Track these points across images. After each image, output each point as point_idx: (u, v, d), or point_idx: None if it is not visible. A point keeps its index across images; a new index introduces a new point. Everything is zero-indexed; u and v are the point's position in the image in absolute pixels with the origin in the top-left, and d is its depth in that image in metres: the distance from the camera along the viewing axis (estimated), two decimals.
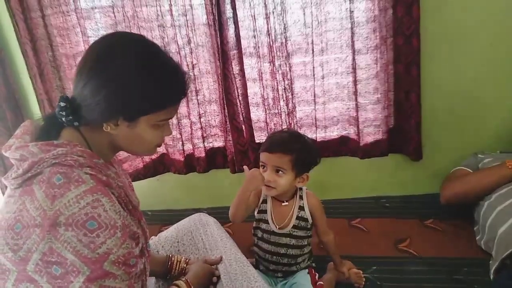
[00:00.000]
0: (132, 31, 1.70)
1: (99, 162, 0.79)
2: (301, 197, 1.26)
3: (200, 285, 1.09)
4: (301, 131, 1.84)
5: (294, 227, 1.25)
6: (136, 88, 0.76)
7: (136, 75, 0.76)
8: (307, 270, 1.27)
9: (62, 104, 0.76)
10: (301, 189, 1.27)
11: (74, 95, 0.78)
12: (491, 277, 1.21)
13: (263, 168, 1.21)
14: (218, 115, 1.85)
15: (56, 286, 0.69)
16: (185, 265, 1.15)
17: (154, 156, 1.95)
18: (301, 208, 1.25)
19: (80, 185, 0.71)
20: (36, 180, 0.72)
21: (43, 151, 0.72)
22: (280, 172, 1.18)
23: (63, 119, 0.77)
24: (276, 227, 1.26)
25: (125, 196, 0.83)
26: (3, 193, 1.90)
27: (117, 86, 0.75)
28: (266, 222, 1.28)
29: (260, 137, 1.87)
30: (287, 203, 1.26)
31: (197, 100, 1.82)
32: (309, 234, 1.28)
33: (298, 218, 1.25)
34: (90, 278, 0.69)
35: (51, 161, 0.72)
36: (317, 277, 1.26)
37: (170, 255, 1.18)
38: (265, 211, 1.28)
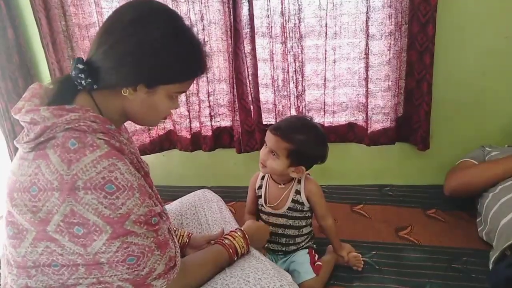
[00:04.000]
0: None
1: (111, 128, 0.79)
2: (299, 181, 1.26)
3: (255, 241, 1.10)
4: (309, 115, 1.84)
5: (289, 209, 1.26)
6: (164, 57, 0.77)
7: (165, 45, 0.77)
8: (307, 250, 1.29)
9: (81, 66, 0.76)
10: None
11: (91, 58, 0.78)
12: (490, 267, 1.22)
13: (265, 144, 1.21)
14: (227, 94, 1.85)
15: (79, 244, 0.71)
16: (187, 240, 1.16)
17: (161, 132, 1.97)
18: (298, 192, 1.26)
19: (95, 150, 0.72)
20: (50, 144, 0.72)
21: (55, 116, 0.72)
22: (274, 155, 1.18)
23: (82, 82, 0.77)
24: (267, 205, 1.28)
25: (137, 162, 0.84)
26: (11, 159, 1.94)
27: (145, 53, 0.76)
28: (261, 198, 1.31)
29: (267, 118, 1.87)
30: (283, 186, 1.27)
31: (207, 78, 1.82)
32: (306, 216, 1.29)
33: (293, 201, 1.25)
34: (113, 236, 0.71)
35: (64, 126, 0.73)
36: (316, 257, 1.27)
37: (175, 228, 1.19)
38: (261, 187, 1.32)
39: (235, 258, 1.00)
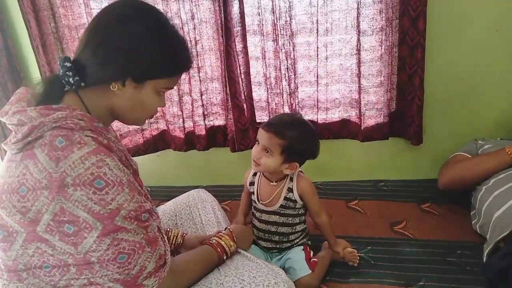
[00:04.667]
0: None
1: (99, 125, 0.80)
2: (291, 179, 1.26)
3: (241, 241, 1.10)
4: (302, 113, 1.84)
5: (282, 206, 1.25)
6: (150, 51, 0.80)
7: (151, 40, 0.80)
8: (302, 247, 1.28)
9: (68, 64, 0.77)
10: None
11: (79, 56, 0.79)
12: (484, 259, 1.23)
13: (258, 143, 1.21)
14: (219, 93, 1.85)
15: (70, 243, 0.71)
16: (181, 240, 1.16)
17: (154, 132, 1.96)
18: (290, 189, 1.25)
19: (83, 147, 0.72)
20: (37, 144, 0.72)
21: (42, 115, 0.72)
22: (268, 152, 1.17)
23: (70, 79, 0.77)
24: (260, 202, 1.28)
25: (125, 160, 0.84)
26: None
27: (132, 47, 0.78)
28: (255, 196, 1.31)
29: (261, 116, 1.87)
30: (275, 184, 1.26)
31: (199, 77, 1.81)
32: (300, 213, 1.28)
33: (286, 199, 1.25)
34: (103, 233, 0.71)
35: (52, 125, 0.73)
36: (311, 254, 1.27)
37: (168, 229, 1.19)
38: (253, 184, 1.32)
39: (224, 257, 1.01)
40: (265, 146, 1.17)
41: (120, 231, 0.73)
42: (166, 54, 0.82)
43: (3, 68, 1.79)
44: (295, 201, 1.25)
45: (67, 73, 0.77)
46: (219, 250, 1.00)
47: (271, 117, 1.25)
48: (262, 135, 1.18)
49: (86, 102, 0.81)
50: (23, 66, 1.88)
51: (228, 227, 1.12)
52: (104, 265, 0.73)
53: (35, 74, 1.87)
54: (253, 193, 1.31)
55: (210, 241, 1.03)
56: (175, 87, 1.81)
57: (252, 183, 1.32)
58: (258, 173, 1.31)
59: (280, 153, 1.16)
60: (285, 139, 1.15)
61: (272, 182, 1.27)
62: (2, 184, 0.73)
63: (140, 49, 0.79)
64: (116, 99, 0.82)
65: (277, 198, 1.26)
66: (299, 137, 1.17)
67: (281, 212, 1.26)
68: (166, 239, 0.89)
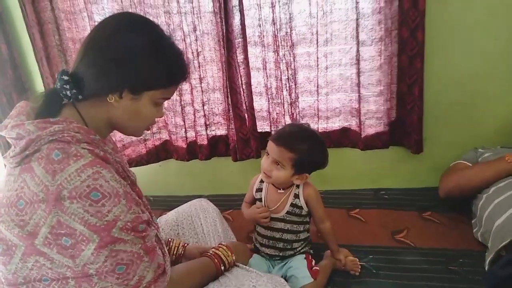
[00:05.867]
0: None
1: (95, 138, 0.80)
2: (297, 186, 1.27)
3: (239, 255, 1.10)
4: (306, 122, 1.85)
5: (288, 213, 1.27)
6: (147, 63, 0.80)
7: (147, 51, 0.80)
8: (304, 255, 1.29)
9: (66, 77, 0.77)
10: None
11: (76, 69, 0.80)
12: (486, 268, 1.23)
13: (267, 154, 1.22)
14: (221, 103, 1.87)
15: (68, 256, 0.71)
16: (182, 251, 1.16)
17: (157, 143, 1.98)
18: (296, 196, 1.26)
19: (79, 160, 0.72)
20: (35, 157, 0.72)
21: (40, 129, 0.73)
22: (279, 165, 1.19)
23: (67, 93, 0.78)
24: (267, 208, 1.29)
25: (123, 171, 0.84)
26: None
27: (129, 59, 0.78)
28: (261, 201, 1.31)
29: (262, 126, 1.89)
30: (282, 191, 1.27)
31: (201, 87, 1.83)
32: (304, 220, 1.29)
33: (292, 205, 1.26)
34: (101, 245, 0.71)
35: (49, 138, 0.73)
36: (313, 262, 1.27)
37: (170, 239, 1.19)
38: (261, 190, 1.32)
39: (222, 267, 1.02)
40: (276, 159, 1.18)
41: (117, 243, 0.73)
42: (162, 65, 0.82)
43: (8, 79, 1.82)
44: (301, 208, 1.26)
45: (65, 86, 0.77)
46: (216, 261, 1.01)
47: (279, 128, 1.25)
48: (272, 148, 1.19)
49: (84, 115, 0.81)
50: (28, 78, 1.91)
51: (222, 243, 1.12)
52: (103, 277, 0.72)
53: (40, 85, 1.90)
54: (260, 199, 1.32)
55: (208, 253, 1.05)
56: (177, 98, 1.84)
57: (259, 190, 1.33)
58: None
59: (291, 166, 1.18)
60: (296, 153, 1.16)
61: (280, 189, 1.28)
62: (1, 198, 0.74)
63: (136, 60, 0.79)
64: (113, 111, 0.82)
65: (283, 204, 1.27)
66: (309, 150, 1.18)
67: (287, 219, 1.27)
68: (165, 248, 0.90)
